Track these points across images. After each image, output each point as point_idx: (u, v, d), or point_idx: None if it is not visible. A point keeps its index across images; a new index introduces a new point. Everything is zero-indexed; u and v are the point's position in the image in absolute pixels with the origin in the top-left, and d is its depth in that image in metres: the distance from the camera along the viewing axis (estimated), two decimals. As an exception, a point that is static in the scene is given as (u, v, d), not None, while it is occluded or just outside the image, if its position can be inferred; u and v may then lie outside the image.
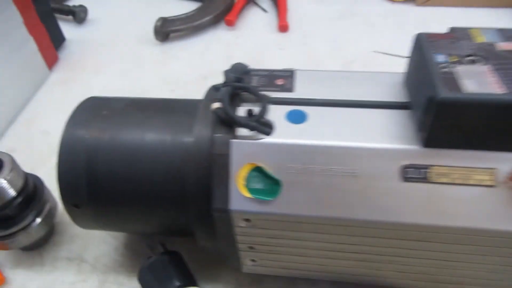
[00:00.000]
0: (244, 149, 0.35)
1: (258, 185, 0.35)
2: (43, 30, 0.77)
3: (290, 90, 0.39)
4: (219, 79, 0.76)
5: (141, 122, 0.41)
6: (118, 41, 0.87)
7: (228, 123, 0.36)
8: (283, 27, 0.85)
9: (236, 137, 0.35)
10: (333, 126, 0.36)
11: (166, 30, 0.83)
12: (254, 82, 0.40)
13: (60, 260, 0.51)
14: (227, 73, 0.40)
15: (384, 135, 0.35)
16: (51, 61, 0.80)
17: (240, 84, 0.38)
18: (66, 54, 0.85)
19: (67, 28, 0.89)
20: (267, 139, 0.35)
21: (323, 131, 0.35)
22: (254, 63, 0.81)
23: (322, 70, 0.42)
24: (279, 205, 0.34)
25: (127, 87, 0.76)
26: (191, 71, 0.78)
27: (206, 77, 0.76)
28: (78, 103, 0.44)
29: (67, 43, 0.87)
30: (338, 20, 0.89)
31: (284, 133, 0.35)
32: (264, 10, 0.91)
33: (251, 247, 0.39)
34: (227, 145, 0.35)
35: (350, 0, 0.94)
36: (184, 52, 0.83)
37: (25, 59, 0.73)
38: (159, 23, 0.82)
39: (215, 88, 0.39)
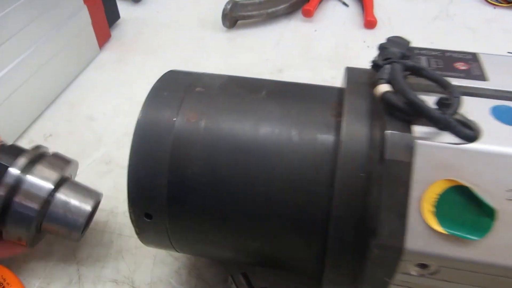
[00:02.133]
0: (439, 158, 0.22)
1: (458, 215, 0.22)
2: (99, 2, 0.67)
3: (481, 78, 0.27)
4: (297, 73, 0.65)
5: (253, 107, 0.29)
6: (178, 24, 0.77)
7: (404, 115, 0.24)
8: (370, 23, 0.73)
9: (420, 137, 0.23)
10: None
11: (236, 15, 0.72)
12: (423, 63, 0.28)
13: (104, 282, 0.39)
14: (387, 46, 0.28)
15: None
16: (102, 38, 0.70)
17: (412, 63, 0.26)
18: (119, 33, 0.74)
19: (122, 6, 0.79)
20: (474, 145, 0.22)
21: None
22: (338, 60, 0.70)
23: (516, 56, 0.29)
24: (488, 249, 0.22)
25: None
26: (263, 62, 0.66)
27: (281, 70, 0.65)
28: (159, 78, 0.33)
29: (121, 22, 0.76)
30: (432, 21, 0.76)
31: (500, 139, 0.22)
32: (345, 4, 0.80)
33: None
34: (408, 149, 0.22)
35: (444, 1, 0.81)
36: (254, 41, 0.71)
37: (75, 31, 0.62)
38: (228, 7, 0.71)
39: (375, 66, 0.27)
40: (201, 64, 0.66)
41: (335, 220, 0.25)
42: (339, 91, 0.30)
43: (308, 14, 0.75)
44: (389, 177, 0.23)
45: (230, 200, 0.27)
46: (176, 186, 0.28)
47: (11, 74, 0.51)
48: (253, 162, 0.27)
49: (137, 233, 0.31)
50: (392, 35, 0.30)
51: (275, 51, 0.69)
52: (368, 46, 0.70)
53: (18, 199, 0.34)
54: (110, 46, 0.71)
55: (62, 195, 0.36)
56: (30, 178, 0.35)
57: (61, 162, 0.38)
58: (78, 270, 0.40)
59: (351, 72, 0.30)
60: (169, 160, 0.28)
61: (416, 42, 0.71)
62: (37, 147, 0.38)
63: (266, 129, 0.27)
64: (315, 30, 0.74)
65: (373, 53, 0.67)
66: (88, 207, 0.36)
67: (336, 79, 0.63)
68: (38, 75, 0.56)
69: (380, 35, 0.72)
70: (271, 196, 0.27)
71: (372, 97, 0.26)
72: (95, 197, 0.38)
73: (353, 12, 0.78)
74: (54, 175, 0.36)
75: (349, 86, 0.27)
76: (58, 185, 0.36)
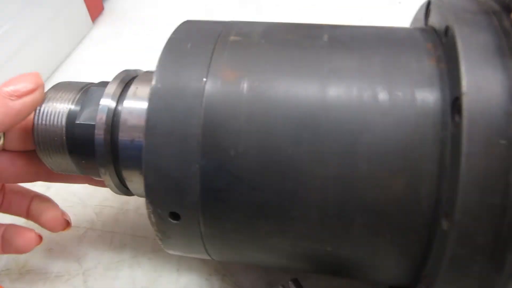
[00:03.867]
0: None
1: None
2: (88, -33, 0.58)
3: None
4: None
5: (316, 58, 0.20)
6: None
7: None
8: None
9: None
10: None
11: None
12: None
13: None
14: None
15: None
16: (95, 11, 0.61)
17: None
18: (112, 5, 0.65)
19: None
20: None
21: None
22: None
23: None
24: None
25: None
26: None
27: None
28: (174, 30, 0.24)
29: (114, -9, 0.67)
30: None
31: None
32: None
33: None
34: None
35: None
36: (269, 3, 0.62)
37: (64, 3, 0.53)
38: (237, -35, 0.61)
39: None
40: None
41: (461, 212, 0.16)
42: (424, 31, 0.22)
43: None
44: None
45: (293, 191, 0.19)
46: (213, 173, 0.20)
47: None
48: (324, 136, 0.19)
49: (160, 239, 0.23)
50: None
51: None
52: (400, 2, 0.61)
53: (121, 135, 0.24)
54: (103, 20, 0.62)
55: None
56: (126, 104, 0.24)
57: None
58: (86, 282, 0.32)
59: (441, 2, 0.21)
60: (201, 139, 0.20)
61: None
62: (125, 71, 0.28)
63: (339, 89, 0.19)
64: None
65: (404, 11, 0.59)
66: None
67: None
68: (23, 53, 0.47)
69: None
70: (352, 182, 0.19)
71: (499, 29, 0.18)
72: None
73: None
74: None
75: (455, 16, 0.19)
76: None
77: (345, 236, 0.20)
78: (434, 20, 0.22)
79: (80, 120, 0.25)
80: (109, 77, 0.28)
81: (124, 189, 0.27)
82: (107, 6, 0.65)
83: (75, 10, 0.56)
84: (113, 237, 0.35)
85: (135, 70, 0.28)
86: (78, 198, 0.38)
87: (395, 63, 0.20)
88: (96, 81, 0.28)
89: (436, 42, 0.20)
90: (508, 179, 0.16)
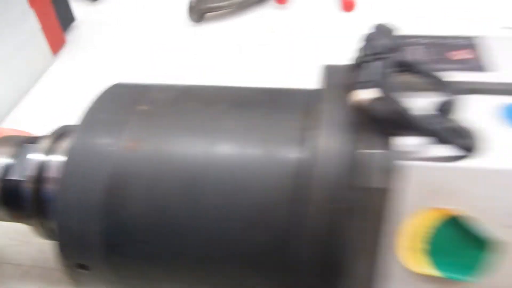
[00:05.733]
0: (430, 182, 0.17)
1: (452, 252, 0.17)
2: (48, 4, 0.61)
3: (483, 68, 0.21)
4: (276, 69, 0.58)
5: (208, 125, 0.23)
6: (140, 22, 0.70)
7: (392, 128, 0.18)
8: (347, 5, 0.67)
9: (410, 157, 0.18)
10: None
11: (204, 7, 0.66)
12: (413, 55, 0.23)
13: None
14: (373, 37, 0.22)
15: None
16: (56, 44, 0.63)
17: (403, 58, 0.20)
18: (75, 38, 0.67)
19: (78, 6, 0.72)
20: (475, 163, 0.17)
21: None
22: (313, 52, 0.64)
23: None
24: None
25: (150, 78, 0.58)
26: (238, 58, 0.60)
27: (257, 69, 0.59)
28: (99, 94, 0.27)
29: (77, 24, 0.70)
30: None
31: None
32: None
33: None
34: (388, 171, 0.17)
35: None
36: (225, 35, 0.65)
37: (23, 39, 0.56)
38: (194, -1, 0.65)
39: (358, 64, 0.21)
40: (164, 66, 0.60)
41: (299, 263, 0.19)
42: (310, 95, 0.25)
43: (282, 1, 0.69)
44: (362, 209, 0.17)
45: (179, 244, 0.22)
46: (112, 231, 0.23)
47: None
48: (204, 195, 0.22)
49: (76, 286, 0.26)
50: (381, 23, 0.24)
51: (250, 46, 0.63)
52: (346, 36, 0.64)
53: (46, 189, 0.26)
54: (65, 53, 0.64)
55: None
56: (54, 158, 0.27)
57: None
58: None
59: (330, 71, 0.24)
60: (105, 199, 0.22)
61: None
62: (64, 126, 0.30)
63: (224, 150, 0.22)
64: (288, 19, 0.68)
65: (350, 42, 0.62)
66: None
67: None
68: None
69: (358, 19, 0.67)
70: (229, 233, 0.21)
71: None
72: None
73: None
74: None
75: (328, 87, 0.22)
76: None
77: (225, 279, 0.23)
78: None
79: (10, 176, 0.28)
80: (69, 113, 0.30)
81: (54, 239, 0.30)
82: (69, 38, 0.67)
83: (35, 45, 0.59)
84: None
85: (75, 126, 0.31)
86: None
87: (272, 122, 0.22)
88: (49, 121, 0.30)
89: (309, 109, 0.23)
90: (334, 238, 0.19)
